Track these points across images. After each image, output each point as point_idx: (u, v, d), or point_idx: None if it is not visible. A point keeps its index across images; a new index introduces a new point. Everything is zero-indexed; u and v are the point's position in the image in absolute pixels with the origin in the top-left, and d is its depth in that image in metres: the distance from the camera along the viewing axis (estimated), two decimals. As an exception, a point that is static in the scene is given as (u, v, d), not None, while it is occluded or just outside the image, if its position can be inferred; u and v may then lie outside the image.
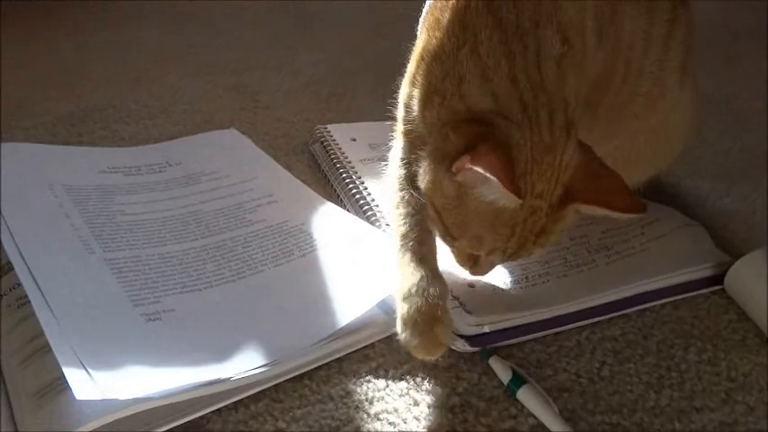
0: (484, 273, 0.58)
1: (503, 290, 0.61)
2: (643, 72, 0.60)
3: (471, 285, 0.60)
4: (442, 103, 0.53)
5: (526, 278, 0.63)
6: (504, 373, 0.54)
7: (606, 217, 0.52)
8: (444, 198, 0.53)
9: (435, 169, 0.52)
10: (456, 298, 0.58)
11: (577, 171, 0.52)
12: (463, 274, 0.59)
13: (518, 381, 0.53)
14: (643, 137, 0.64)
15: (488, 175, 0.47)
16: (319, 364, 0.55)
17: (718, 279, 0.64)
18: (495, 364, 0.55)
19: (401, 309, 0.53)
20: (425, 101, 0.55)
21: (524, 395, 0.53)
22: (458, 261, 0.58)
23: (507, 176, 0.47)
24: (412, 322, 0.51)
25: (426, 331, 0.51)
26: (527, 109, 0.50)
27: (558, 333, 0.59)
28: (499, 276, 0.62)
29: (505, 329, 0.58)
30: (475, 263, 0.57)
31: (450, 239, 0.55)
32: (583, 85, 0.54)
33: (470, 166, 0.48)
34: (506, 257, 0.54)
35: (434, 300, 0.52)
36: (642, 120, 0.63)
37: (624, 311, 0.62)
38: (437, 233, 0.57)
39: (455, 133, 0.51)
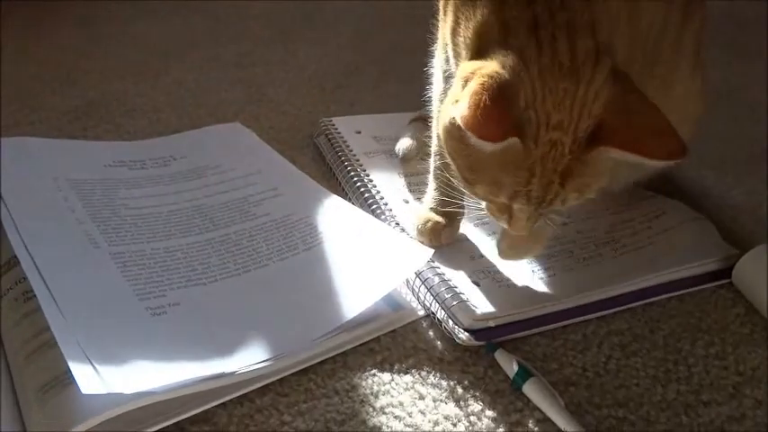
0: (524, 228, 0.52)
1: (508, 284, 0.61)
2: (657, 60, 0.59)
3: (476, 283, 0.60)
4: (460, 33, 0.51)
5: (532, 272, 0.62)
6: (509, 367, 0.54)
7: (641, 164, 0.47)
8: (453, 141, 0.49)
9: (442, 111, 0.50)
10: (461, 293, 0.58)
11: (610, 105, 0.46)
12: (468, 272, 0.59)
13: (524, 374, 0.53)
14: None
15: (463, 129, 0.44)
16: (324, 358, 0.55)
17: (725, 272, 0.64)
18: (501, 357, 0.54)
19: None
20: (453, 32, 0.53)
21: (530, 389, 0.52)
22: (492, 215, 0.54)
23: (477, 125, 0.43)
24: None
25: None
26: (538, 29, 0.46)
27: (564, 327, 0.59)
28: (505, 270, 0.62)
29: (511, 323, 0.57)
30: (510, 215, 0.52)
31: (468, 186, 0.52)
32: (621, 18, 0.49)
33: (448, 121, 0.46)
34: (534, 203, 0.49)
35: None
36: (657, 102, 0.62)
37: (631, 305, 0.61)
38: (457, 180, 0.54)
39: (458, 70, 0.48)
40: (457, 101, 0.47)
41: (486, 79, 0.45)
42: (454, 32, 0.53)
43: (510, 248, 0.59)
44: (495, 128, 0.44)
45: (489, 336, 0.56)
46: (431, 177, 0.66)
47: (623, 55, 0.51)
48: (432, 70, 0.65)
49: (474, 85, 0.45)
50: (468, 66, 0.49)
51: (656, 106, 0.46)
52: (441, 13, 0.58)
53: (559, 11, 0.47)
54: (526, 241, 0.57)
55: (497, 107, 0.44)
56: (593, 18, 0.48)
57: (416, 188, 0.72)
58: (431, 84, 0.66)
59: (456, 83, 0.49)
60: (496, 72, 0.46)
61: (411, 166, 0.73)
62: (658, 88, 0.60)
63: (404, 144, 0.74)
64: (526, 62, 0.46)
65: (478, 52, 0.49)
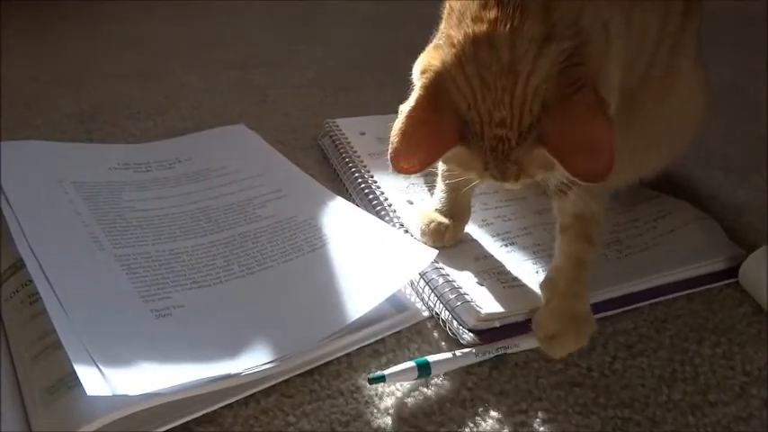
0: (514, 185, 0.50)
1: (513, 284, 0.61)
2: (655, 62, 0.59)
3: (480, 283, 0.60)
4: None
5: (536, 272, 0.62)
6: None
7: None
8: None
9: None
10: (466, 293, 0.58)
11: (549, 108, 0.44)
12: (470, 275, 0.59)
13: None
14: (661, 122, 0.63)
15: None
16: (329, 359, 0.55)
17: (732, 272, 0.63)
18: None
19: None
20: None
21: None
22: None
23: (395, 163, 0.47)
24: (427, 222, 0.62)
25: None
26: (483, 13, 0.44)
27: (569, 327, 0.59)
28: (509, 270, 0.62)
29: (516, 324, 0.57)
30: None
31: (445, 165, 0.53)
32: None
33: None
34: (500, 181, 0.49)
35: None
36: (656, 106, 0.62)
37: (636, 305, 0.61)
38: None
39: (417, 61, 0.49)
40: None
41: (414, 104, 0.47)
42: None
43: (548, 344, 0.55)
44: (408, 166, 0.48)
45: (495, 336, 0.56)
46: (438, 179, 0.66)
47: (627, 57, 0.51)
48: None
49: (401, 116, 0.47)
50: (423, 60, 0.49)
51: (600, 114, 0.43)
52: (446, 12, 0.57)
53: None
54: (561, 329, 0.54)
55: (412, 146, 0.47)
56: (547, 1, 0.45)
57: (420, 189, 0.72)
58: None
59: (414, 75, 0.50)
60: (434, 80, 0.46)
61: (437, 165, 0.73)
62: (658, 91, 0.60)
63: None
64: (461, 61, 0.45)
65: (438, 39, 0.49)
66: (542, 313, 0.55)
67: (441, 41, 0.49)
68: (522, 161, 0.47)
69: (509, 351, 0.55)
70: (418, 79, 0.48)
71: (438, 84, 0.47)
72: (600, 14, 0.48)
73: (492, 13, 0.45)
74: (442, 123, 0.47)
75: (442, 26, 0.52)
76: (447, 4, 0.56)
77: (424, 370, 0.52)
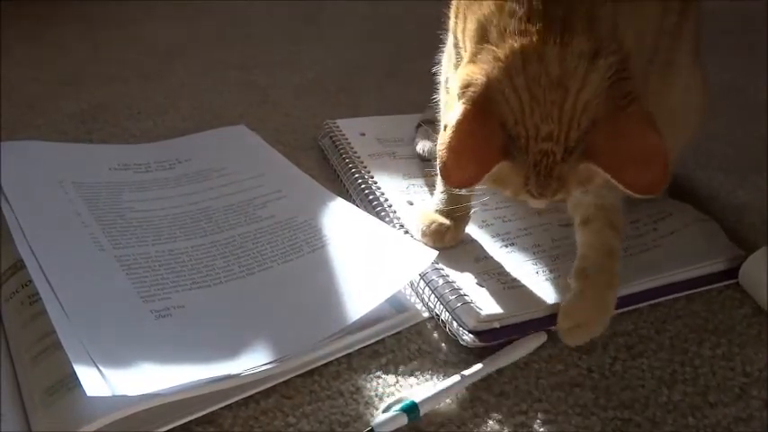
0: (544, 203, 0.50)
1: (513, 285, 0.61)
2: (652, 63, 0.59)
3: (480, 284, 0.60)
4: (467, 34, 0.50)
5: (536, 273, 0.62)
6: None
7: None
8: None
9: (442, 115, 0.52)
10: (466, 294, 0.58)
11: (599, 122, 0.44)
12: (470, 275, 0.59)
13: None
14: (660, 119, 0.63)
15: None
16: (329, 359, 0.55)
17: (732, 273, 0.63)
18: None
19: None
20: (463, 32, 0.52)
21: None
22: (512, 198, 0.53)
23: (449, 177, 0.46)
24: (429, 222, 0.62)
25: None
26: (529, 27, 0.44)
27: (569, 328, 0.59)
28: (509, 271, 0.62)
29: (516, 324, 0.57)
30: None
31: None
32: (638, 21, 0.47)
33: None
34: (537, 197, 0.49)
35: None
36: (656, 100, 0.61)
37: (636, 306, 0.61)
38: None
39: (455, 75, 0.48)
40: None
41: (461, 118, 0.46)
42: (464, 33, 0.53)
43: (570, 333, 0.55)
44: (460, 180, 0.47)
45: (495, 337, 0.56)
46: (438, 179, 0.66)
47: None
48: (438, 75, 0.65)
49: (449, 130, 0.46)
50: (463, 74, 0.48)
51: (652, 126, 0.44)
52: (453, 13, 0.57)
53: (555, 5, 0.45)
54: (588, 318, 0.55)
55: (462, 160, 0.46)
56: (591, 10, 0.46)
57: (421, 190, 0.72)
58: (437, 87, 0.66)
59: (453, 88, 0.49)
60: (481, 94, 0.46)
61: (434, 166, 0.74)
62: (655, 92, 0.60)
63: (426, 145, 0.74)
64: (510, 74, 0.45)
65: (476, 53, 0.49)
66: (573, 303, 0.55)
67: (479, 56, 0.47)
68: (565, 177, 0.47)
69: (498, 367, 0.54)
70: (461, 94, 0.47)
71: (486, 97, 0.46)
72: (628, 29, 0.48)
73: (538, 27, 0.45)
74: (489, 137, 0.46)
75: (459, 34, 0.52)
76: (456, 5, 0.56)
77: (412, 412, 0.49)
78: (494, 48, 0.47)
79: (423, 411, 0.50)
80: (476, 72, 0.47)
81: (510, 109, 0.46)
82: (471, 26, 0.50)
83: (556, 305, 0.58)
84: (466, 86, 0.47)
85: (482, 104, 0.46)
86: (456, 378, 0.53)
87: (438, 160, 0.48)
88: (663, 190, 0.45)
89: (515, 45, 0.45)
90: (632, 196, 0.47)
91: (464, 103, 0.47)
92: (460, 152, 0.47)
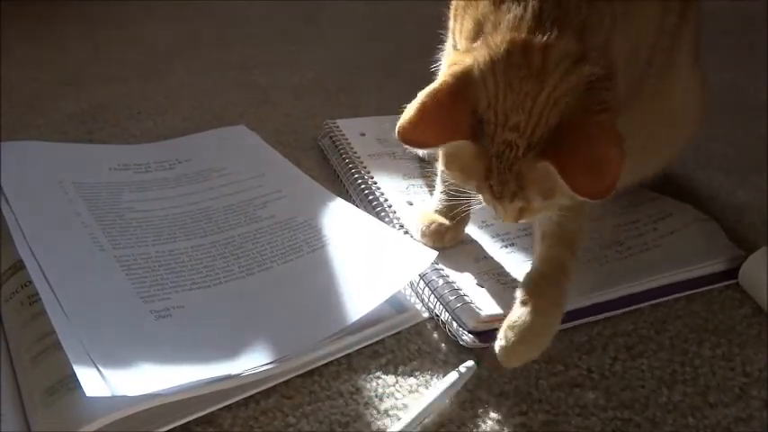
0: (510, 218, 0.51)
1: (513, 286, 0.60)
2: (653, 61, 0.59)
3: (480, 285, 0.60)
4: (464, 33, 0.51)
5: (537, 273, 0.62)
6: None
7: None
8: None
9: None
10: (465, 294, 0.58)
11: (566, 121, 0.45)
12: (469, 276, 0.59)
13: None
14: (660, 120, 0.63)
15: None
16: (329, 360, 0.55)
17: (731, 273, 0.63)
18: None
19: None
20: (460, 33, 0.53)
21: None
22: (485, 202, 0.53)
23: (402, 133, 0.46)
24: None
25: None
26: (521, 24, 0.46)
27: (569, 328, 0.59)
28: (509, 271, 0.62)
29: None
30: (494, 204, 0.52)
31: (446, 169, 0.52)
32: (626, 31, 0.48)
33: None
34: (497, 197, 0.49)
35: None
36: (656, 100, 0.61)
37: (637, 306, 0.61)
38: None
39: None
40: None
41: (437, 87, 0.47)
42: (461, 33, 0.54)
43: (517, 353, 0.52)
44: (413, 138, 0.47)
45: (494, 338, 0.56)
46: (438, 179, 0.66)
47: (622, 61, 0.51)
48: (438, 75, 0.65)
49: (421, 94, 0.47)
50: (453, 57, 0.49)
51: (615, 139, 0.44)
52: (452, 15, 0.58)
53: (551, 7, 0.46)
54: (529, 342, 0.52)
55: (423, 123, 0.47)
56: (586, 19, 0.47)
57: (420, 190, 0.72)
58: None
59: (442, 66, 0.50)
60: (462, 72, 0.47)
61: (434, 167, 0.73)
62: (654, 95, 0.60)
63: None
64: (493, 59, 0.46)
65: (471, 47, 0.50)
66: (516, 321, 0.51)
67: (473, 46, 0.49)
68: (523, 176, 0.47)
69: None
70: (446, 69, 0.49)
71: (465, 75, 0.47)
72: (621, 50, 0.49)
73: (530, 24, 0.46)
74: (458, 113, 0.47)
75: (456, 35, 0.53)
76: (455, 6, 0.56)
77: None
78: (486, 38, 0.48)
79: None
80: (464, 56, 0.48)
81: (485, 92, 0.46)
82: (468, 26, 0.51)
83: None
84: (452, 64, 0.48)
85: (460, 81, 0.47)
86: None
87: (402, 118, 0.47)
88: (603, 198, 0.44)
89: (506, 36, 0.47)
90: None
91: (446, 75, 0.48)
92: (423, 116, 0.47)
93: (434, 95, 0.47)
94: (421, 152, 0.75)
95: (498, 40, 0.47)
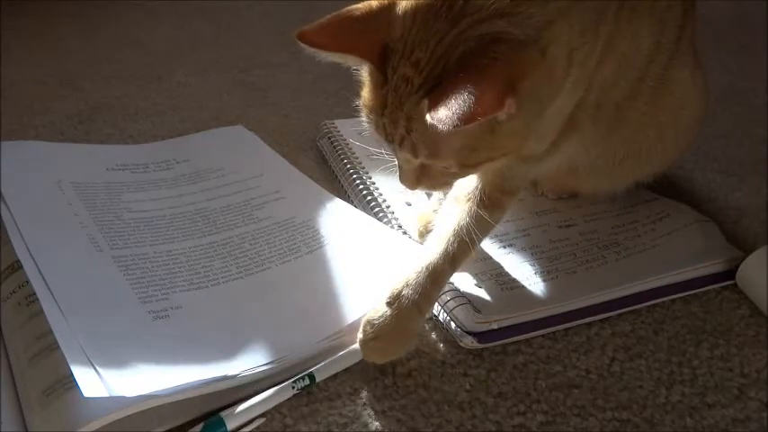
0: (411, 182, 0.52)
1: (511, 286, 0.61)
2: (648, 75, 0.59)
3: (478, 285, 0.60)
4: None
5: (534, 274, 0.62)
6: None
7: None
8: None
9: None
10: (464, 295, 0.58)
11: (461, 68, 0.43)
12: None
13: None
14: (652, 131, 0.63)
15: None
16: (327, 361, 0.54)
17: (729, 274, 0.63)
18: None
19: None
20: None
21: None
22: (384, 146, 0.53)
23: (306, 30, 0.46)
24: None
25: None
26: None
27: (567, 329, 0.59)
28: (507, 272, 0.62)
29: (514, 326, 0.57)
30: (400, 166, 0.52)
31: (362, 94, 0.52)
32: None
33: None
34: (389, 139, 0.49)
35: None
36: (648, 115, 0.62)
37: (635, 307, 0.61)
38: None
39: None
40: None
41: (359, 6, 0.47)
42: None
43: (373, 349, 0.53)
44: (313, 36, 0.47)
45: (493, 338, 0.56)
46: None
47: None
48: None
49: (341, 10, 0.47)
50: None
51: (490, 82, 0.43)
52: None
53: None
54: (385, 340, 0.53)
55: (332, 28, 0.47)
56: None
57: (418, 191, 0.72)
58: None
59: None
60: (388, 2, 0.47)
61: None
62: (651, 101, 0.60)
63: None
64: (420, 1, 0.46)
65: None
66: (378, 315, 0.52)
67: None
68: (410, 119, 0.46)
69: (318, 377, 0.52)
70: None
71: (389, 6, 0.47)
72: (569, 41, 0.48)
73: None
74: (370, 33, 0.47)
75: None
76: None
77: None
78: None
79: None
80: None
81: (402, 25, 0.47)
82: None
83: (554, 306, 0.58)
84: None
85: (383, 8, 0.47)
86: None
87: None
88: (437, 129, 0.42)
89: None
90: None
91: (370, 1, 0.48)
92: (333, 22, 0.47)
93: (352, 10, 0.47)
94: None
95: None
